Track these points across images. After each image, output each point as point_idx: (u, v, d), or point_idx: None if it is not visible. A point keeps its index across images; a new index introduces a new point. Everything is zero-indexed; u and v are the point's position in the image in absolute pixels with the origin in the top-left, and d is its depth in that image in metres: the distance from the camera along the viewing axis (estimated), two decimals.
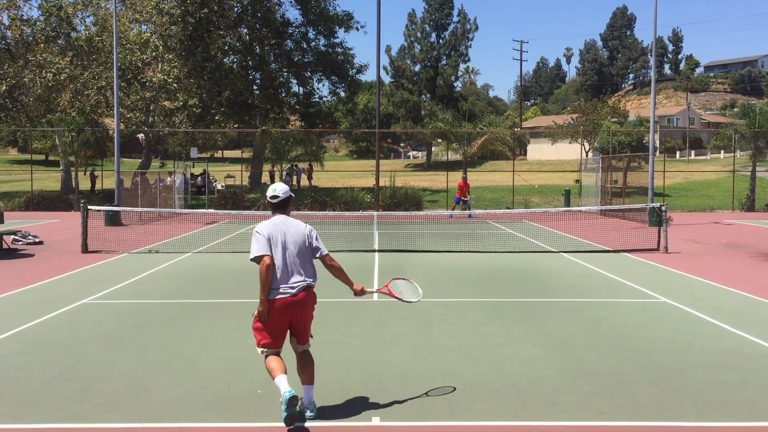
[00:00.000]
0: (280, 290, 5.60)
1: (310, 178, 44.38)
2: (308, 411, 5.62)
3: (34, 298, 10.95)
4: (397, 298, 6.28)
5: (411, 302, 6.32)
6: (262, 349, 5.65)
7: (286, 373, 5.51)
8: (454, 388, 6.41)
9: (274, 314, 5.58)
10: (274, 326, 5.61)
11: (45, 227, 24.02)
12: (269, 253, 5.59)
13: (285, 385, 5.36)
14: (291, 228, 5.78)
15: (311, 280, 5.77)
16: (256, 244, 5.63)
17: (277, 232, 5.71)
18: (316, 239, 5.88)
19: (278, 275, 5.61)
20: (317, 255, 5.87)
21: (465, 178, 30.81)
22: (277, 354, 5.68)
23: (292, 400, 5.24)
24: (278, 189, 5.92)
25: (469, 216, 27.97)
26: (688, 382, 6.68)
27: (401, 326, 9.01)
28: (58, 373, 6.91)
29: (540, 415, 5.75)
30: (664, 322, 9.33)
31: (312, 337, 5.88)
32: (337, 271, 5.92)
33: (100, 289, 11.74)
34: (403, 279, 6.47)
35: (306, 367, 5.75)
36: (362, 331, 8.70)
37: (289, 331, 5.76)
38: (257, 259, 5.58)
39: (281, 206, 5.90)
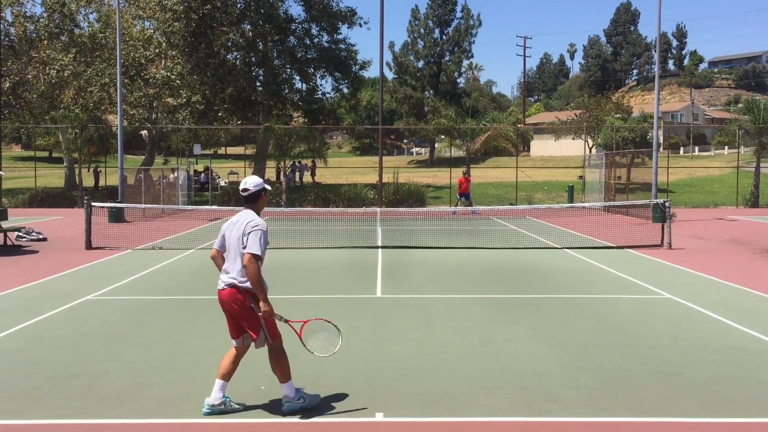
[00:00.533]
0: (219, 282, 5.79)
1: (313, 174, 44.36)
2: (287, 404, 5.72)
3: (39, 294, 10.98)
4: (300, 340, 5.96)
5: (313, 353, 5.92)
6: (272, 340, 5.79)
7: (222, 378, 5.77)
8: (458, 384, 6.42)
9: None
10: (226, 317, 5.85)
11: (49, 224, 24.07)
12: (216, 247, 5.89)
13: (212, 394, 5.73)
14: (239, 224, 5.71)
15: (237, 278, 5.64)
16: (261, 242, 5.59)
17: (229, 226, 5.82)
18: (248, 236, 5.56)
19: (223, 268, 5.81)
20: (241, 249, 5.62)
21: (465, 174, 30.86)
22: (235, 347, 5.86)
23: (207, 413, 5.65)
24: (249, 182, 5.83)
25: (473, 212, 27.93)
26: (691, 378, 6.68)
27: (405, 322, 9.02)
28: (62, 369, 6.94)
29: (543, 411, 5.75)
30: (668, 318, 9.32)
31: (271, 341, 5.74)
32: (256, 280, 5.54)
33: (103, 285, 11.77)
34: (328, 324, 6.06)
35: (273, 367, 5.78)
36: (366, 327, 8.71)
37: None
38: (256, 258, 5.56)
39: (250, 200, 5.80)
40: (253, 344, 5.81)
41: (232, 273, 5.66)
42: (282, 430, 5.37)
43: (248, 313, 5.64)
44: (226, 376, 5.76)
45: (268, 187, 5.94)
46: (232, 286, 5.65)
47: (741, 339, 8.18)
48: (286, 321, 5.82)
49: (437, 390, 6.27)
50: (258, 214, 5.79)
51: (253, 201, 5.80)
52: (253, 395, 6.14)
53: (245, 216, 5.73)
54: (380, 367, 6.97)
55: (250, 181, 5.81)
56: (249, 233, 5.55)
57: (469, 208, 28.33)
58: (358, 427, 5.46)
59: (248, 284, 5.56)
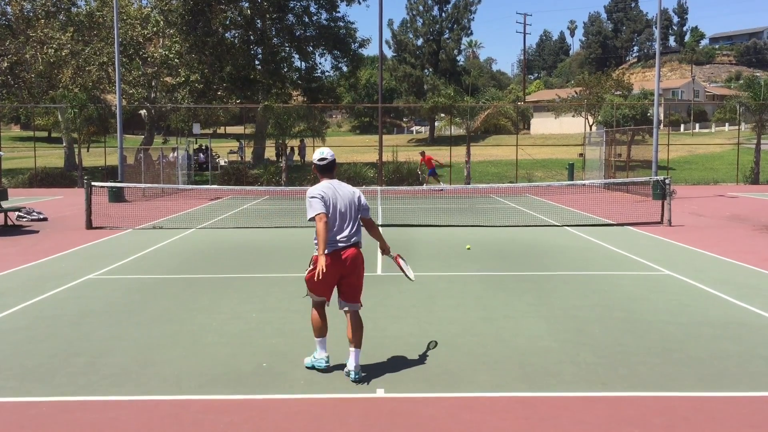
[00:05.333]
0: (332, 244, 5.93)
1: (302, 155, 44.27)
2: (352, 374, 5.91)
3: (40, 273, 11.01)
4: (401, 268, 6.63)
5: (409, 278, 6.66)
6: (309, 293, 6.14)
7: (325, 336, 6.17)
8: (458, 361, 6.46)
9: (328, 266, 5.82)
10: (324, 278, 5.78)
11: (49, 204, 24.07)
12: (324, 211, 5.85)
13: (322, 353, 6.14)
14: (341, 189, 6.07)
15: (358, 238, 6.13)
16: (313, 205, 5.87)
17: (331, 193, 5.99)
18: (364, 199, 6.22)
19: (332, 231, 5.95)
20: (364, 215, 6.19)
21: (423, 153, 32.08)
22: (322, 306, 6.16)
23: (325, 370, 6.06)
24: (325, 152, 6.14)
25: (442, 188, 27.22)
26: (690, 353, 6.72)
27: (405, 300, 9.05)
28: (65, 347, 6.98)
29: (543, 387, 5.79)
30: (668, 294, 9.36)
31: (361, 305, 6.25)
32: (374, 230, 6.41)
33: (104, 264, 11.80)
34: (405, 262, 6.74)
35: (355, 331, 6.04)
36: (367, 305, 8.67)
37: (338, 295, 6.16)
38: (315, 219, 5.84)
39: (329, 168, 6.11)
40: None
41: (352, 233, 6.05)
42: (284, 407, 5.41)
43: (362, 273, 6.21)
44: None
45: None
46: (357, 244, 6.11)
47: (740, 314, 8.22)
48: (395, 257, 6.73)
49: (437, 366, 6.31)
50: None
51: (330, 170, 6.12)
52: (255, 372, 6.18)
53: (341, 184, 6.14)
54: (381, 344, 7.01)
55: (327, 151, 6.14)
56: (362, 197, 6.19)
57: (438, 186, 28.03)
58: (360, 402, 5.50)
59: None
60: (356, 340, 5.99)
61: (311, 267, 5.93)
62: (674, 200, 18.97)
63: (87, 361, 6.51)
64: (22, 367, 6.36)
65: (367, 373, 6.08)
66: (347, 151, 49.05)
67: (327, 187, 6.00)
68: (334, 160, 6.17)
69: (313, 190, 5.95)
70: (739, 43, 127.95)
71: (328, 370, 6.17)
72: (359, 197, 6.15)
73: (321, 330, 6.15)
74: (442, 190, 26.79)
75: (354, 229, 6.07)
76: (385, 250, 6.55)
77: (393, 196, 27.04)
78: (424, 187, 28.19)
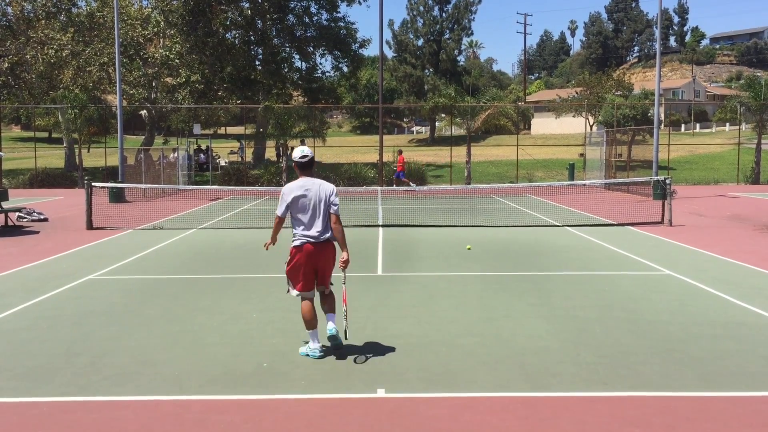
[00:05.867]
0: (303, 237, 6.48)
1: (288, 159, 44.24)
2: (332, 329, 6.45)
3: (41, 274, 11.01)
4: (344, 300, 6.82)
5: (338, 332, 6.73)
6: (297, 293, 6.56)
7: (316, 327, 6.55)
8: (458, 360, 6.46)
9: (302, 259, 6.45)
10: (304, 270, 6.47)
11: (49, 204, 24.08)
12: (281, 215, 6.59)
13: (315, 344, 6.52)
14: (314, 187, 6.50)
15: (330, 234, 6.52)
16: (279, 204, 6.56)
17: (301, 190, 6.46)
18: (335, 197, 6.56)
19: (304, 226, 6.48)
20: (330, 210, 6.50)
21: (401, 152, 32.99)
22: (311, 299, 6.58)
23: (329, 343, 6.56)
24: (306, 150, 6.60)
25: (414, 189, 27.05)
26: (691, 353, 6.72)
27: (405, 299, 9.06)
28: (66, 347, 6.98)
29: (543, 387, 5.79)
30: (668, 294, 9.35)
31: (332, 284, 6.72)
32: (337, 228, 6.52)
33: (105, 265, 11.80)
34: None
35: (328, 299, 6.67)
36: (367, 305, 8.74)
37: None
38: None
39: (308, 166, 6.59)
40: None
41: (321, 229, 6.47)
42: (284, 407, 5.41)
43: (334, 262, 6.63)
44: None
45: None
46: (329, 240, 6.52)
47: (741, 314, 8.22)
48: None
49: (438, 366, 6.31)
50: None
51: (309, 167, 6.59)
52: (256, 372, 6.18)
53: (315, 181, 6.54)
54: (381, 344, 7.00)
55: (307, 150, 6.59)
56: (333, 195, 6.50)
57: (409, 187, 27.88)
58: (360, 402, 5.50)
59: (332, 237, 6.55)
60: (329, 307, 6.63)
61: (290, 260, 6.56)
62: (675, 200, 18.97)
63: (88, 362, 6.51)
64: (24, 368, 6.36)
65: (367, 373, 6.08)
66: (348, 151, 49.05)
67: (300, 185, 6.50)
68: (313, 158, 6.71)
69: (285, 188, 6.59)
70: (739, 43, 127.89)
71: (324, 360, 6.40)
72: (329, 194, 6.51)
73: (311, 322, 6.52)
74: (413, 189, 26.68)
75: (324, 225, 6.48)
76: (342, 261, 6.56)
77: (393, 196, 27.03)
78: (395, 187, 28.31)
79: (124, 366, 6.37)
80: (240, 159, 46.32)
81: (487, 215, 19.58)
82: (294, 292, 6.59)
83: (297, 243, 6.51)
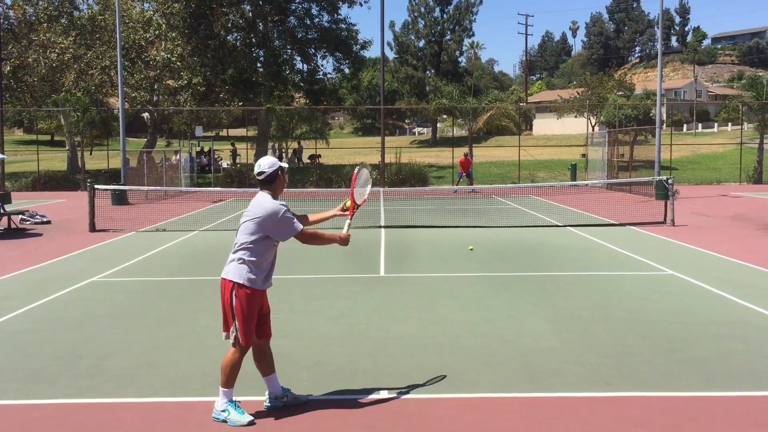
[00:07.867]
0: (268, 280, 5.42)
1: (299, 159, 44.21)
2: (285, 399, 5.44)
3: (44, 276, 11.02)
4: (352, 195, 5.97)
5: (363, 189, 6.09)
6: (237, 339, 5.29)
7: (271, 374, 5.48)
8: (461, 361, 6.46)
9: (257, 302, 5.29)
10: (252, 318, 5.31)
11: (52, 207, 24.10)
12: (300, 225, 5.36)
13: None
14: (247, 213, 5.42)
15: (227, 267, 5.45)
16: (292, 221, 5.32)
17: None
18: (280, 223, 5.27)
19: (272, 262, 5.46)
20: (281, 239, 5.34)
21: (467, 155, 31.31)
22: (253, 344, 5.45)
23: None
24: (263, 163, 5.33)
25: (473, 190, 27.90)
26: (694, 353, 6.71)
27: (408, 301, 9.05)
28: (69, 349, 6.98)
29: (547, 387, 5.79)
30: (671, 294, 9.34)
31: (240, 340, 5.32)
32: (316, 240, 5.38)
33: (108, 267, 11.81)
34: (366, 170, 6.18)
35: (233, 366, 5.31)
36: (370, 306, 8.74)
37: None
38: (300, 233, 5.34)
39: (267, 182, 5.35)
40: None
41: (228, 262, 5.32)
42: (286, 406, 5.40)
43: (228, 307, 5.34)
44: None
45: (284, 165, 5.45)
46: (223, 275, 5.37)
47: (744, 314, 8.20)
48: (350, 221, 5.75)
49: (441, 367, 6.30)
50: (276, 196, 5.35)
51: (270, 182, 5.33)
52: (258, 374, 6.15)
53: (256, 201, 5.37)
54: (384, 345, 7.00)
55: (264, 163, 5.31)
56: (279, 222, 5.21)
57: (470, 187, 28.33)
58: (363, 404, 5.50)
59: (233, 277, 5.29)
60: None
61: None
62: (677, 200, 18.94)
63: (91, 363, 6.51)
64: (27, 370, 6.37)
65: (370, 374, 6.08)
66: (350, 152, 49.06)
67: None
68: (275, 171, 5.38)
69: (281, 205, 5.27)
70: (741, 43, 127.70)
71: (327, 362, 6.21)
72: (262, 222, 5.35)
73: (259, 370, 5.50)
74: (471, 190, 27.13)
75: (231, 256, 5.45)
76: (344, 239, 5.49)
77: (396, 197, 27.03)
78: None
79: (128, 368, 6.37)
80: (233, 163, 45.74)
81: (490, 216, 19.57)
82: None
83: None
